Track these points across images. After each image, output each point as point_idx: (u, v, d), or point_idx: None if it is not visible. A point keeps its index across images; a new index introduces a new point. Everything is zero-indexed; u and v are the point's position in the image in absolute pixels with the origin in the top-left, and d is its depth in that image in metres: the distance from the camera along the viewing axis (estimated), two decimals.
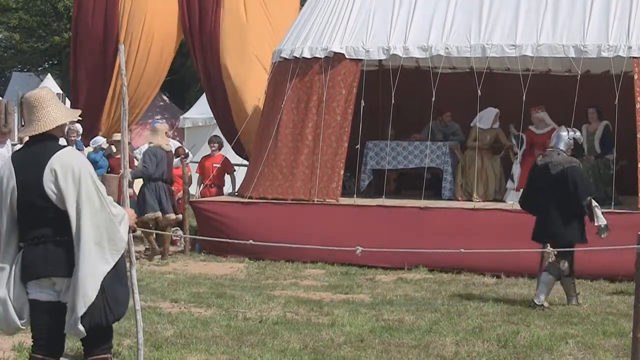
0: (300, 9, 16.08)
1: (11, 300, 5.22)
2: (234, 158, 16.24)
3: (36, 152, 5.20)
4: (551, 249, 8.94)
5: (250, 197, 13.33)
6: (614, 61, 11.98)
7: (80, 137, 15.88)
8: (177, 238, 14.37)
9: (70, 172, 5.08)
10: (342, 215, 12.66)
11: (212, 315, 8.82)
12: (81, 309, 5.06)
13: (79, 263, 5.06)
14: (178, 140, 20.69)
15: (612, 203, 11.78)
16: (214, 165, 15.14)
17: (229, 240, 11.26)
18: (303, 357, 7.30)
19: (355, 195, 13.17)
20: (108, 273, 5.14)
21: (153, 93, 17.48)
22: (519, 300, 9.96)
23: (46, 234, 5.15)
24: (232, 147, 15.79)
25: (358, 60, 13.14)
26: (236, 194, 14.52)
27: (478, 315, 9.04)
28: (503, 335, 8.06)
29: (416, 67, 14.26)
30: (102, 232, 5.11)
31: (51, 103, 5.27)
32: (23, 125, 5.97)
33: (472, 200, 13.18)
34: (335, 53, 13.19)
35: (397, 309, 9.32)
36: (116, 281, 5.20)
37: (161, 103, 26.69)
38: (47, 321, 5.25)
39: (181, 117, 25.03)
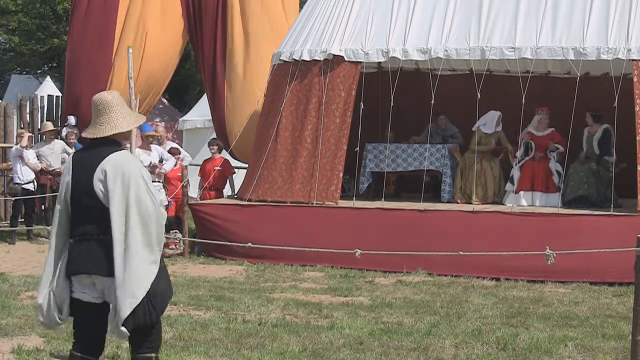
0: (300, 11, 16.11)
1: (54, 294, 5.33)
2: (235, 160, 16.27)
3: (93, 153, 5.30)
4: (550, 250, 8.93)
5: (249, 200, 13.32)
6: (613, 64, 11.98)
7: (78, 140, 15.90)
8: (176, 241, 14.37)
9: (120, 174, 5.16)
10: (341, 218, 12.65)
11: (211, 318, 8.81)
12: (126, 311, 5.11)
13: (126, 264, 5.11)
14: (178, 143, 20.71)
15: (612, 205, 11.78)
16: (215, 167, 15.14)
17: (228, 243, 11.25)
18: (302, 359, 7.30)
19: (354, 198, 13.17)
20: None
21: (156, 97, 17.45)
22: (518, 303, 9.96)
23: (91, 231, 5.25)
24: (229, 153, 15.85)
25: (357, 63, 13.13)
26: (235, 196, 14.52)
27: (477, 318, 9.04)
28: (502, 338, 8.05)
29: (415, 70, 14.26)
30: (152, 234, 5.19)
31: (116, 109, 5.32)
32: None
33: (471, 203, 13.18)
34: (334, 55, 13.18)
35: (396, 312, 9.32)
36: (158, 278, 5.24)
37: (160, 105, 26.69)
38: (87, 321, 5.35)
39: (180, 119, 25.06)
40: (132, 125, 5.39)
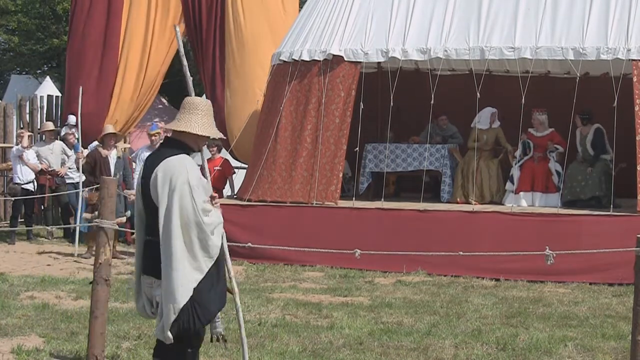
0: (299, 11, 16.12)
1: (145, 293, 5.52)
2: (235, 160, 16.26)
3: (160, 153, 5.42)
4: (550, 251, 8.94)
5: (249, 200, 13.32)
6: (613, 64, 11.98)
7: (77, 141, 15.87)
8: None
9: (168, 180, 5.22)
10: (341, 218, 12.65)
11: None
12: (171, 316, 5.22)
13: (171, 270, 5.19)
14: None
15: (612, 205, 11.78)
16: (215, 168, 15.13)
17: (228, 243, 11.22)
18: (302, 359, 7.30)
19: (354, 198, 13.17)
20: (201, 280, 5.26)
21: (153, 95, 17.49)
22: (517, 303, 9.96)
23: (153, 233, 5.36)
24: (229, 153, 15.86)
25: (357, 63, 13.13)
26: (235, 196, 14.51)
27: (477, 318, 9.04)
28: (502, 338, 8.06)
29: (415, 70, 14.26)
30: (194, 241, 5.23)
31: (198, 113, 5.44)
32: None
33: (470, 203, 13.18)
34: (334, 55, 13.18)
35: (396, 312, 9.32)
36: (208, 288, 5.31)
37: (160, 106, 26.68)
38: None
39: None
40: (203, 131, 5.40)
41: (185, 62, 6.36)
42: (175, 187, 5.19)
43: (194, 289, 5.25)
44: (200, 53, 16.65)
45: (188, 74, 6.36)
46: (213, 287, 5.36)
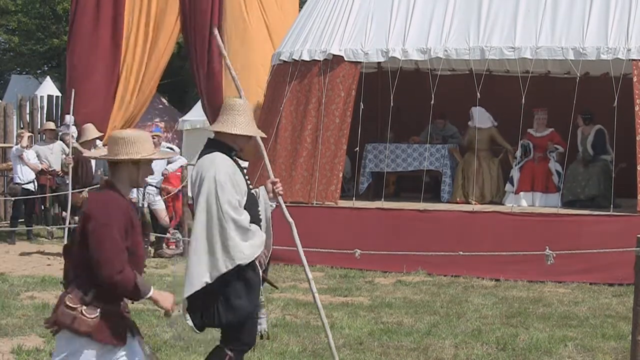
0: (299, 11, 16.12)
1: None
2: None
3: (200, 155, 5.48)
4: (550, 251, 8.94)
5: None
6: (613, 64, 11.98)
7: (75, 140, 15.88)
8: (175, 240, 14.35)
9: (199, 177, 5.31)
10: (341, 218, 12.65)
11: None
12: (182, 307, 5.35)
13: (188, 261, 5.30)
14: (177, 144, 20.68)
15: (612, 205, 11.78)
16: None
17: None
18: (302, 359, 7.30)
19: (354, 198, 13.16)
20: (225, 280, 5.30)
21: (151, 94, 17.49)
22: (518, 303, 9.96)
23: None
24: None
25: (357, 63, 13.12)
26: None
27: (477, 318, 9.04)
28: (502, 338, 8.06)
29: (415, 70, 14.25)
30: (216, 238, 5.26)
31: (236, 113, 5.42)
32: None
33: (470, 203, 13.18)
34: (334, 55, 13.17)
35: (396, 312, 9.32)
36: (235, 289, 5.35)
37: (160, 106, 26.70)
38: None
39: (180, 119, 25.05)
40: (238, 130, 5.38)
41: (229, 62, 6.46)
42: (203, 183, 5.27)
43: (220, 288, 5.28)
44: (194, 51, 16.61)
45: (234, 73, 6.44)
46: (247, 292, 5.39)
